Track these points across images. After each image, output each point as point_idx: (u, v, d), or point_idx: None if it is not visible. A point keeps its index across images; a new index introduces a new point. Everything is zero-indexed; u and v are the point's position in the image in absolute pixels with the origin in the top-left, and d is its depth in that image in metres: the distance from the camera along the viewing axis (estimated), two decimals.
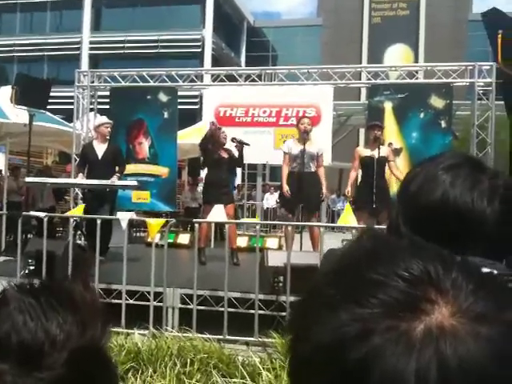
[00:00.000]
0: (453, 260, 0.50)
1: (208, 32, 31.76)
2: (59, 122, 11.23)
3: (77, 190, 8.85)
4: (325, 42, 35.23)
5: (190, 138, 11.33)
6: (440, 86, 8.53)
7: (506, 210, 1.00)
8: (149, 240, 7.25)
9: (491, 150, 8.22)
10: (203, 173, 8.03)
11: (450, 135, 8.62)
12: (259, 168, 14.26)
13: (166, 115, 9.34)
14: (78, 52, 32.44)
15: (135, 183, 7.52)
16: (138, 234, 12.66)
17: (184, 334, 4.86)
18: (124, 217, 5.74)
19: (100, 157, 7.44)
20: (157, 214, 10.50)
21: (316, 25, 36.40)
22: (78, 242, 7.50)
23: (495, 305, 0.46)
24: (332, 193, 21.10)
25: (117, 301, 5.38)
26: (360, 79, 11.04)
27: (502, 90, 7.54)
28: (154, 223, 5.77)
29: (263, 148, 8.98)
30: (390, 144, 7.61)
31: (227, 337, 5.04)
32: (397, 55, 33.78)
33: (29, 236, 9.00)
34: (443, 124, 8.35)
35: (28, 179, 7.95)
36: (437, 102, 8.36)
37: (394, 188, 7.26)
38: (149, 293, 5.39)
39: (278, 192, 8.53)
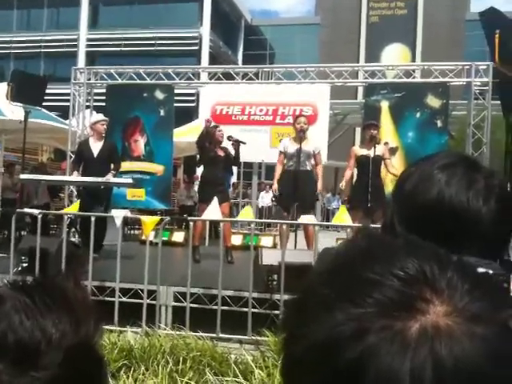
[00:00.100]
0: (448, 259, 0.50)
1: (205, 30, 31.78)
2: (55, 119, 11.22)
3: (71, 187, 8.83)
4: (322, 41, 35.31)
5: (186, 135, 11.32)
6: (437, 85, 8.55)
7: (501, 210, 0.99)
8: (143, 238, 7.24)
9: (487, 149, 8.24)
10: (199, 171, 8.00)
11: (446, 135, 8.64)
12: (255, 166, 14.28)
13: (162, 113, 9.33)
14: (74, 49, 32.44)
15: (130, 181, 7.50)
16: (132, 232, 12.64)
17: (177, 332, 4.85)
18: (118, 214, 5.73)
19: (96, 154, 7.42)
20: (151, 212, 10.49)
21: (314, 23, 36.50)
22: (72, 239, 7.48)
23: (490, 305, 0.46)
24: (327, 192, 21.13)
25: (110, 298, 5.38)
26: (357, 78, 11.06)
27: (499, 90, 7.55)
28: (149, 221, 5.76)
29: (259, 146, 8.95)
30: (385, 143, 7.63)
31: (220, 335, 5.04)
32: (394, 54, 33.90)
33: (23, 233, 8.98)
34: (439, 123, 8.37)
35: (23, 176, 7.93)
36: (433, 102, 8.38)
37: (389, 187, 7.26)
38: (142, 291, 5.38)
39: None
